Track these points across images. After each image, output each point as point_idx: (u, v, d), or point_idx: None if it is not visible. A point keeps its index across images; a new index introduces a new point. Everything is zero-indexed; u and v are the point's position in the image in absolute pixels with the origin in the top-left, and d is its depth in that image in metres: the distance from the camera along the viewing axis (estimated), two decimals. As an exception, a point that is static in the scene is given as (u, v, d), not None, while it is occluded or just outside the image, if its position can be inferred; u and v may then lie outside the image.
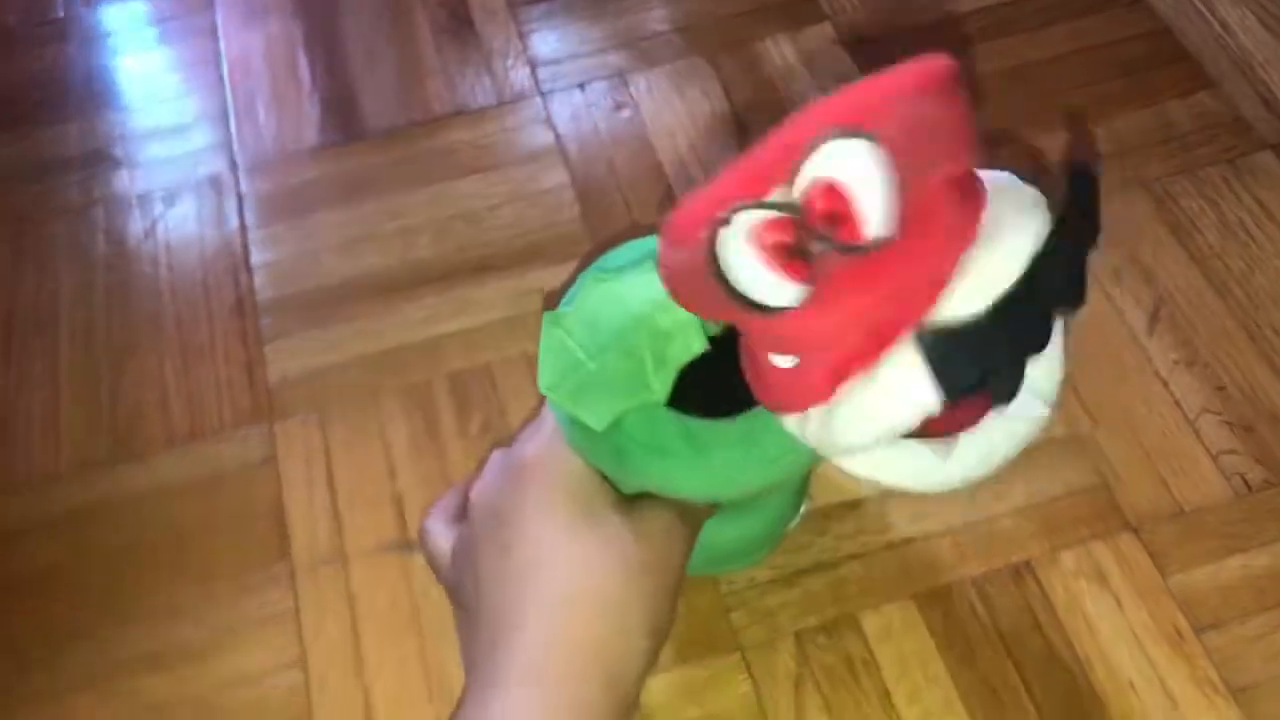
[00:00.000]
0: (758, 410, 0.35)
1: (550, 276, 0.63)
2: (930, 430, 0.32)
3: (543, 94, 0.71)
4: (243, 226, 0.67)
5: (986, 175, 0.30)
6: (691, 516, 0.42)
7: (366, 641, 0.52)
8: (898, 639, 0.51)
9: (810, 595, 0.52)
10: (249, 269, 0.65)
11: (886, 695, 0.50)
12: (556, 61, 0.73)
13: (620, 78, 0.72)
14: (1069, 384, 0.57)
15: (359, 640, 0.52)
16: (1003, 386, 0.30)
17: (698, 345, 0.36)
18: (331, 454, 0.58)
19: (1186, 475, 0.55)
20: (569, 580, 0.38)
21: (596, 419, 0.36)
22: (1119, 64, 0.70)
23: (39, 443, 0.59)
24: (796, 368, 0.30)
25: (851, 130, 0.26)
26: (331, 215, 0.67)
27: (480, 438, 0.58)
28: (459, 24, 0.75)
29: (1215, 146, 0.66)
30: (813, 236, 0.27)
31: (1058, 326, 0.31)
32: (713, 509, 0.46)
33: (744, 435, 0.37)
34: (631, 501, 0.40)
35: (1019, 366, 0.30)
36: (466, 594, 0.41)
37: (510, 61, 0.73)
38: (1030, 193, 0.30)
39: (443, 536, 0.44)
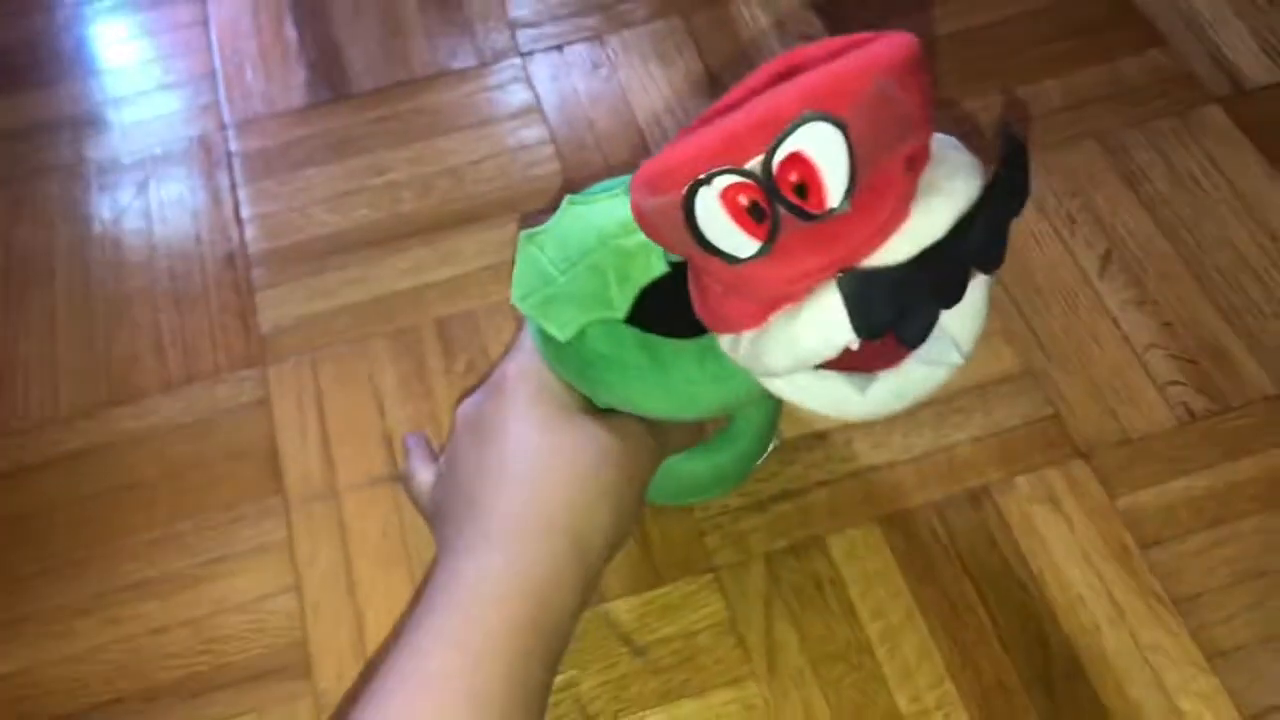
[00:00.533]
0: (710, 334, 0.38)
1: (530, 228, 0.65)
2: (852, 364, 0.35)
3: (522, 55, 0.74)
4: (233, 184, 0.69)
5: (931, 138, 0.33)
6: (660, 435, 0.45)
7: (359, 568, 0.55)
8: (862, 559, 0.54)
9: (780, 520, 0.55)
10: (240, 223, 0.67)
11: (851, 610, 0.52)
12: (536, 24, 0.75)
13: (598, 39, 0.74)
14: (1026, 322, 0.60)
15: (351, 567, 0.55)
16: (913, 329, 0.33)
17: (658, 267, 0.38)
18: (323, 395, 0.60)
19: (1134, 405, 0.58)
20: (541, 458, 0.42)
21: (561, 329, 0.39)
22: (1074, 24, 0.73)
23: (37, 388, 0.61)
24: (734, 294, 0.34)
25: (827, 115, 0.30)
26: (319, 171, 0.69)
27: (465, 376, 0.60)
28: (441, -12, 0.78)
29: (1166, 101, 0.69)
30: (779, 202, 0.30)
31: (979, 283, 0.35)
32: (681, 439, 0.49)
33: (699, 354, 0.39)
34: (603, 412, 0.43)
35: (931, 314, 0.33)
36: (438, 496, 0.44)
37: (491, 23, 0.76)
38: (967, 159, 0.34)
39: (423, 470, 0.48)
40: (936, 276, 0.32)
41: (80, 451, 0.59)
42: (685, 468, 0.52)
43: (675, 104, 0.71)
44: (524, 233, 0.40)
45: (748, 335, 0.34)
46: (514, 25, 0.75)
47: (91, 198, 0.69)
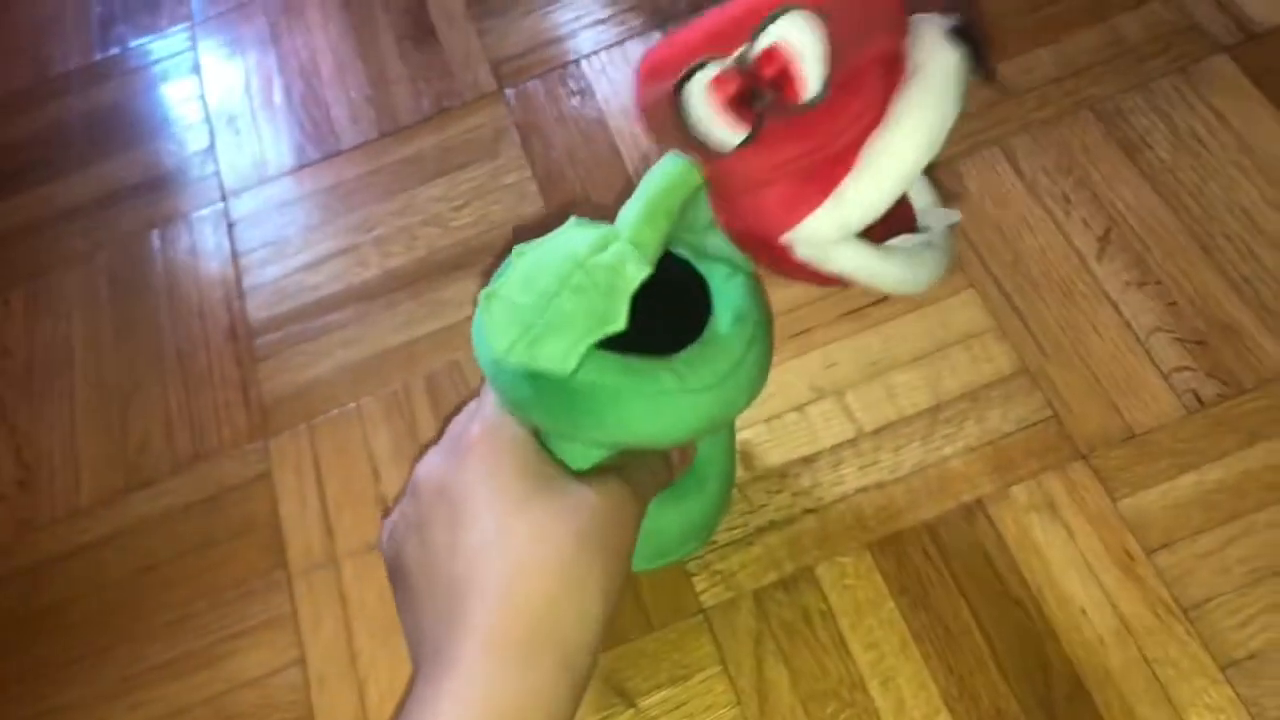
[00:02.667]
0: (692, 346, 0.39)
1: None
2: (888, 231, 0.36)
3: (503, 90, 0.73)
4: (234, 253, 0.71)
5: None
6: (638, 489, 0.43)
7: (359, 638, 0.56)
8: (852, 588, 0.52)
9: (768, 553, 0.54)
10: (241, 293, 0.69)
11: (842, 643, 0.51)
12: (516, 56, 0.75)
13: (575, 64, 0.73)
14: (1020, 317, 0.57)
15: (352, 637, 0.56)
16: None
17: (641, 272, 0.37)
18: (320, 463, 0.62)
19: (1137, 396, 0.55)
20: (522, 551, 0.39)
21: (560, 362, 0.37)
22: (1066, -19, 0.69)
23: (61, 480, 0.64)
24: (814, 151, 0.34)
25: (803, 7, 0.31)
26: (313, 233, 0.70)
27: (455, 433, 0.61)
28: (421, 31, 0.78)
29: (1168, 56, 0.64)
30: (760, 92, 0.32)
31: None
32: (657, 483, 0.48)
33: (683, 367, 0.39)
34: (579, 476, 0.42)
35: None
36: (408, 569, 0.42)
37: (471, 62, 0.75)
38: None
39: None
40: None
41: (101, 540, 0.62)
42: (656, 523, 0.50)
43: (655, 122, 0.69)
44: (481, 293, 0.39)
45: (824, 209, 0.34)
46: (493, 61, 0.75)
47: (102, 284, 0.71)
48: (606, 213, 0.38)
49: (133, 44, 0.84)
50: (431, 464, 0.43)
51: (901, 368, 0.57)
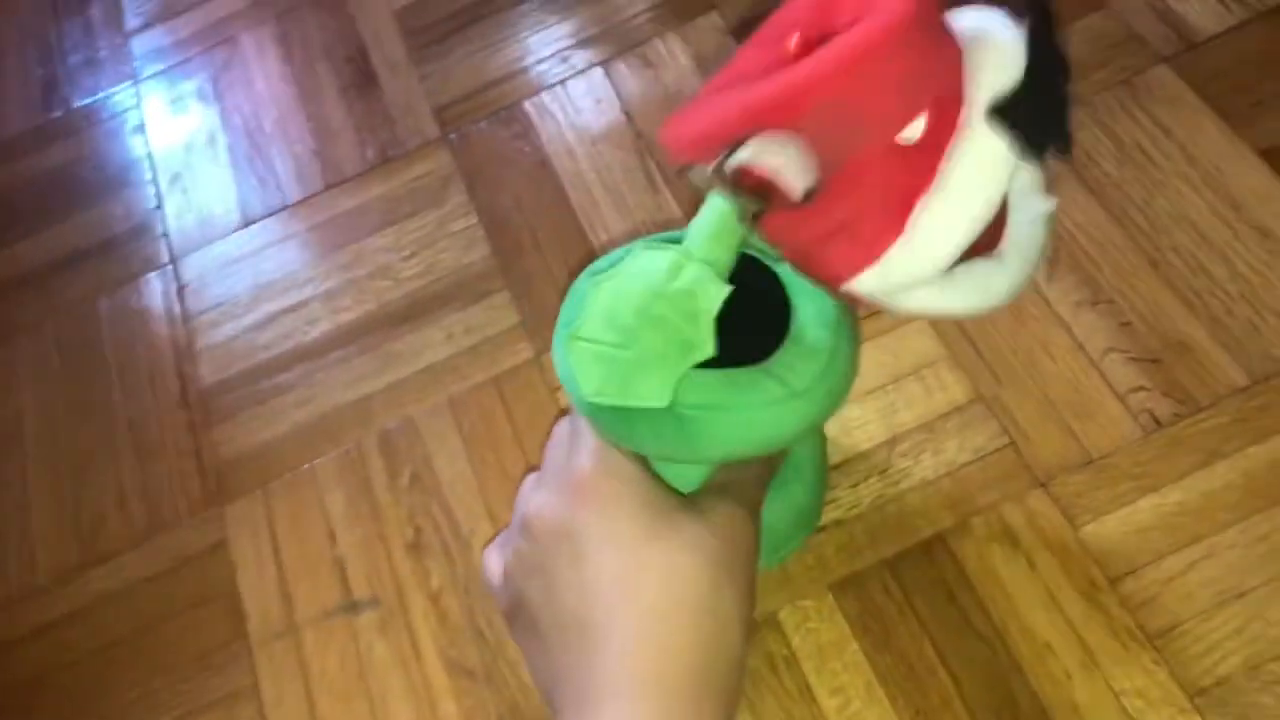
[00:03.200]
0: (782, 347, 0.39)
1: (464, 318, 0.65)
2: (976, 250, 0.34)
3: (446, 136, 0.73)
4: (184, 316, 0.70)
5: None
6: (750, 502, 0.42)
7: (321, 706, 0.55)
8: (815, 632, 0.52)
9: (730, 600, 0.53)
10: (192, 357, 0.68)
11: (807, 690, 0.50)
12: (458, 100, 0.74)
13: (517, 105, 0.73)
14: (972, 344, 0.57)
15: (314, 706, 0.55)
16: (1061, 123, 0.33)
17: (720, 291, 0.36)
18: (276, 528, 0.61)
19: (1094, 419, 0.54)
20: (659, 587, 0.38)
21: (656, 398, 0.36)
22: (1008, -3, 0.68)
23: (15, 559, 0.63)
24: (855, 220, 0.34)
25: (770, 134, 0.31)
26: (261, 291, 0.69)
27: (410, 489, 0.60)
28: (363, 80, 0.77)
29: (1110, 69, 0.64)
30: (745, 198, 0.32)
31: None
32: (763, 487, 0.47)
33: (778, 373, 0.38)
34: (694, 500, 0.41)
35: (1064, 104, 0.33)
36: (533, 613, 0.41)
37: (414, 109, 0.75)
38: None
39: (498, 559, 0.45)
40: (1048, 80, 0.33)
41: (60, 619, 0.61)
42: (766, 521, 0.47)
43: (599, 158, 0.69)
44: (560, 334, 0.39)
45: (893, 251, 0.33)
46: (436, 107, 0.74)
47: (52, 355, 0.70)
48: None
49: (77, 105, 0.83)
50: (543, 502, 0.41)
51: (855, 401, 0.56)
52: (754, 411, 0.38)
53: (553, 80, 0.73)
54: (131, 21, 0.86)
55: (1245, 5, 0.64)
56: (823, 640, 0.51)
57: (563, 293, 0.63)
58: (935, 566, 0.52)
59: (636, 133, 0.69)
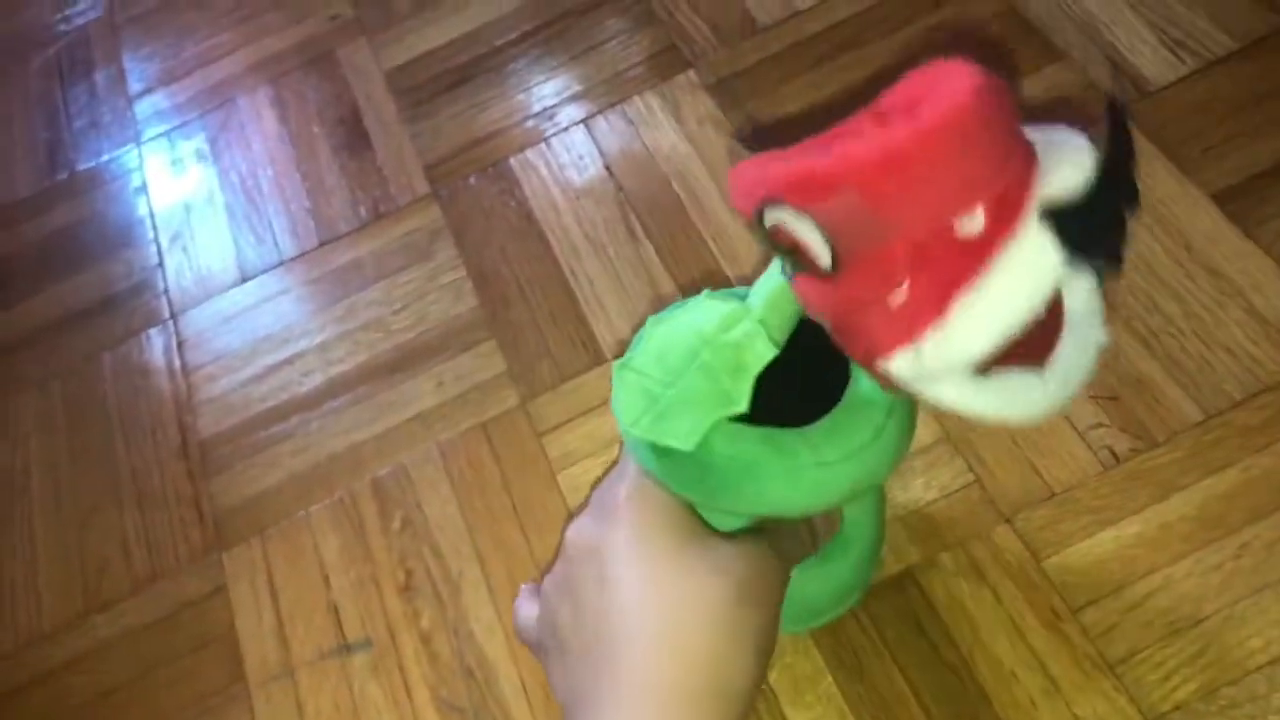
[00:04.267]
0: (831, 413, 0.39)
1: (453, 367, 0.67)
2: (1016, 357, 0.34)
3: (436, 194, 0.76)
4: (184, 370, 0.72)
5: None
6: (781, 551, 0.43)
7: (316, 745, 0.57)
8: (790, 666, 0.54)
9: (708, 635, 0.55)
10: (192, 409, 0.70)
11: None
12: (447, 158, 0.77)
13: (504, 161, 0.76)
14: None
15: (309, 745, 0.57)
16: (1116, 243, 0.33)
17: (768, 351, 0.37)
18: (273, 573, 0.63)
19: (1055, 456, 0.56)
20: (677, 604, 0.39)
21: (684, 440, 0.37)
22: (973, 51, 0.71)
23: (23, 606, 0.65)
24: (901, 302, 0.33)
25: (784, 204, 0.32)
26: (259, 345, 0.72)
27: (401, 533, 0.62)
28: (355, 139, 0.80)
29: (1067, 118, 0.66)
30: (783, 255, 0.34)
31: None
32: (801, 549, 0.49)
33: (821, 437, 0.39)
34: (724, 534, 0.42)
35: (1122, 225, 0.33)
36: (562, 634, 0.42)
37: (405, 167, 0.78)
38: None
39: (527, 606, 0.46)
40: (1111, 194, 0.33)
41: (64, 665, 0.63)
42: (806, 588, 0.50)
43: (582, 213, 0.72)
44: (616, 363, 0.40)
45: (928, 337, 0.33)
46: (426, 164, 0.77)
47: (58, 408, 0.73)
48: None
49: (81, 168, 0.86)
50: (580, 526, 0.43)
51: (828, 442, 0.59)
52: (777, 473, 0.38)
53: (537, 138, 0.76)
54: (134, 86, 0.89)
55: (1196, 55, 0.67)
56: (798, 673, 0.53)
57: (547, 341, 0.66)
58: (905, 600, 0.54)
59: (618, 186, 0.72)
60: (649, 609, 0.39)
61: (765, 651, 0.40)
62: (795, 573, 0.45)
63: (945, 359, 0.33)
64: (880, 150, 0.31)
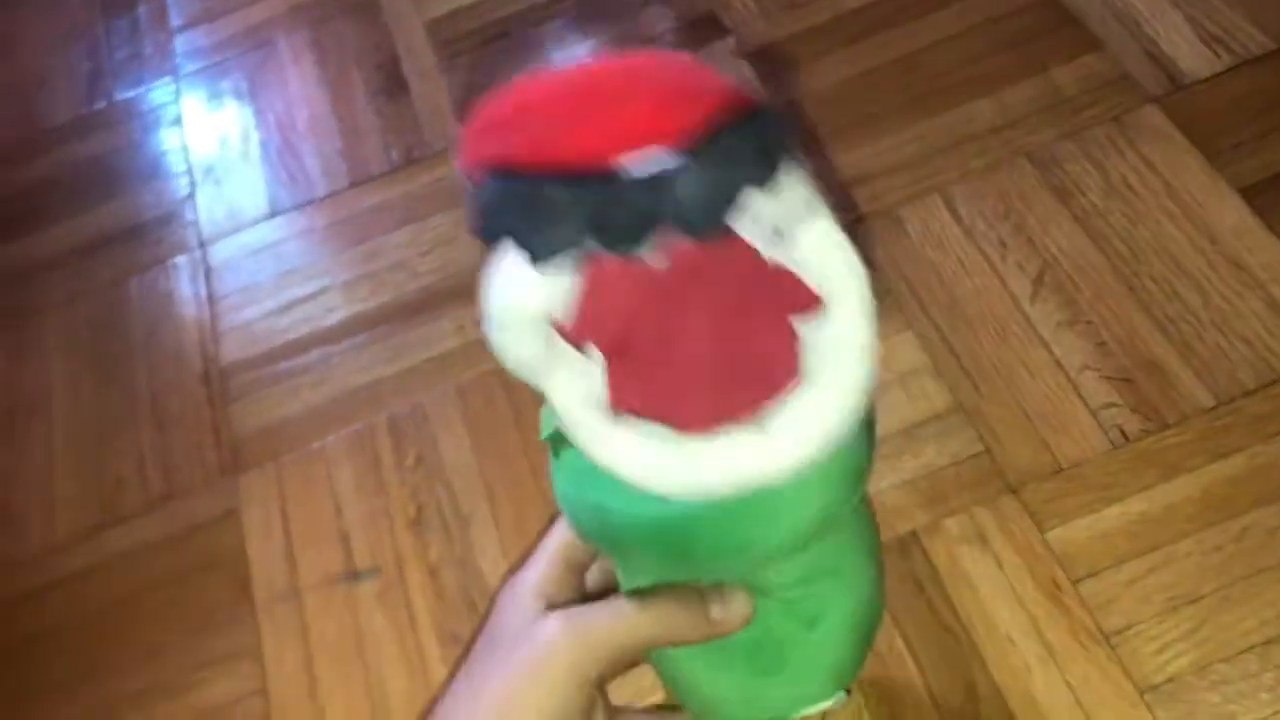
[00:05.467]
0: None
1: (475, 313, 0.68)
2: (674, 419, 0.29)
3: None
4: (210, 298, 0.73)
5: None
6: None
7: (318, 667, 0.58)
8: (791, 617, 0.54)
9: (711, 584, 0.56)
10: (215, 338, 0.71)
11: (780, 671, 0.53)
12: (482, 108, 0.78)
13: (538, 116, 0.76)
14: (956, 357, 0.60)
15: (312, 667, 0.58)
16: (536, 245, 0.28)
17: None
18: (286, 499, 0.64)
19: (1066, 432, 0.57)
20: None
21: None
22: (1008, 37, 0.72)
23: (38, 517, 0.66)
24: None
25: None
26: (285, 278, 0.73)
27: (415, 469, 0.63)
28: (393, 86, 0.81)
29: (1101, 107, 0.67)
30: None
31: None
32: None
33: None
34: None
35: (570, 238, 0.28)
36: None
37: (440, 115, 0.78)
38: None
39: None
40: (599, 211, 0.28)
41: (76, 575, 0.64)
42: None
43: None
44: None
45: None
46: (461, 114, 0.78)
47: (83, 330, 0.74)
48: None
49: (119, 97, 0.87)
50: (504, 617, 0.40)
51: (842, 405, 0.59)
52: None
53: (573, 94, 0.77)
54: (175, 21, 0.90)
55: (1232, 53, 0.67)
56: (797, 626, 0.54)
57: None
58: (908, 562, 0.55)
59: (649, 146, 0.73)
60: None
61: None
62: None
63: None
64: None
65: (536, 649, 0.36)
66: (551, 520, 0.40)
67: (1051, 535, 0.54)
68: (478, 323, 0.66)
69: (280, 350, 0.70)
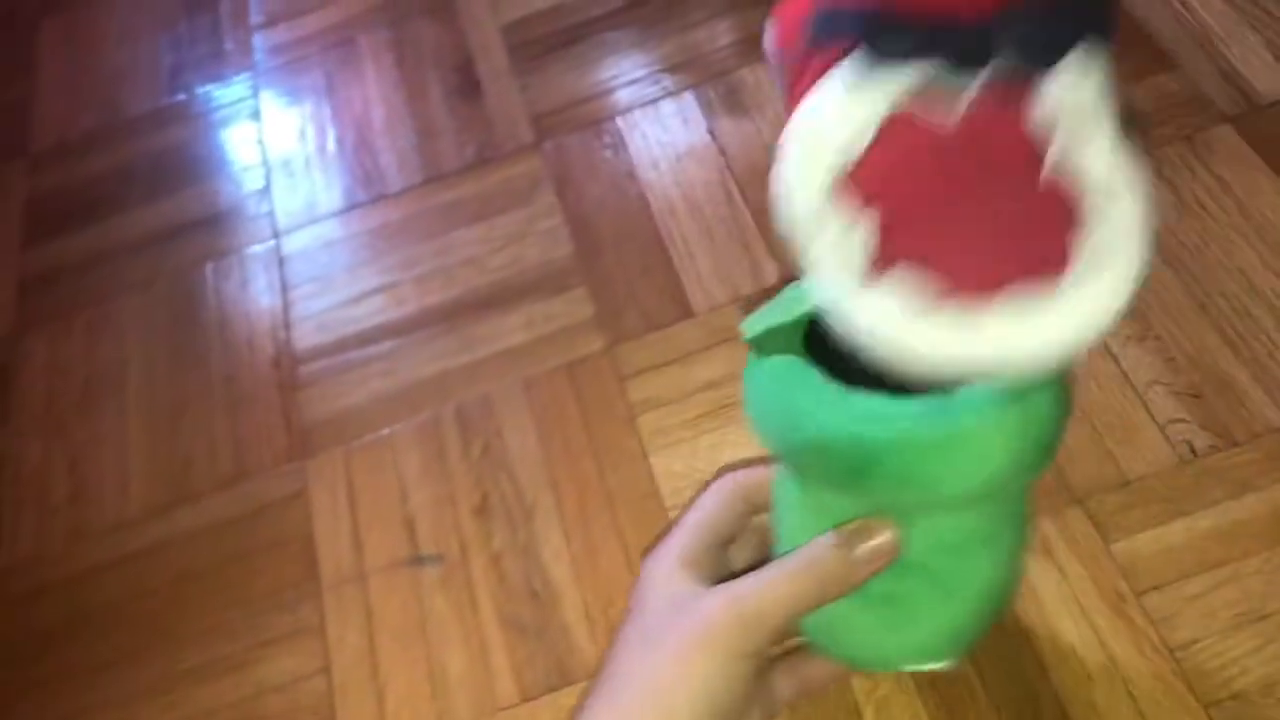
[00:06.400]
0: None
1: (544, 308, 0.69)
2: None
3: (540, 143, 0.78)
4: (283, 287, 0.75)
5: None
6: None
7: (381, 649, 0.59)
8: (851, 618, 0.55)
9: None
10: (287, 324, 0.73)
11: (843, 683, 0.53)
12: (554, 111, 0.79)
13: (610, 120, 0.77)
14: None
15: (374, 648, 0.59)
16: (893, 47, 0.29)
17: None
18: (354, 485, 0.65)
19: (1134, 445, 0.57)
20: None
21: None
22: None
23: (111, 493, 0.68)
24: None
25: None
26: (357, 270, 0.74)
27: (481, 459, 0.64)
28: (468, 86, 0.82)
29: (1174, 125, 0.67)
30: None
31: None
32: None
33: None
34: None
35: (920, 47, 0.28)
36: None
37: (513, 116, 0.80)
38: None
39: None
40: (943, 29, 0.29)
41: (146, 550, 0.65)
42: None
43: (681, 172, 0.73)
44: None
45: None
46: (534, 115, 0.79)
47: (160, 312, 0.76)
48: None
49: (198, 90, 0.89)
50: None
51: (907, 411, 0.60)
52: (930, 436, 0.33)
53: (644, 100, 0.78)
54: (256, 18, 0.93)
55: (1310, 75, 0.67)
56: (858, 627, 0.54)
57: (637, 292, 0.68)
58: (970, 568, 0.55)
59: (719, 150, 0.74)
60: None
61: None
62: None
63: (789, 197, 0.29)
64: None
65: (703, 625, 0.37)
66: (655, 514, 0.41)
67: (1116, 547, 0.54)
68: (546, 319, 0.68)
69: (351, 339, 0.71)
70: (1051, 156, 0.29)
